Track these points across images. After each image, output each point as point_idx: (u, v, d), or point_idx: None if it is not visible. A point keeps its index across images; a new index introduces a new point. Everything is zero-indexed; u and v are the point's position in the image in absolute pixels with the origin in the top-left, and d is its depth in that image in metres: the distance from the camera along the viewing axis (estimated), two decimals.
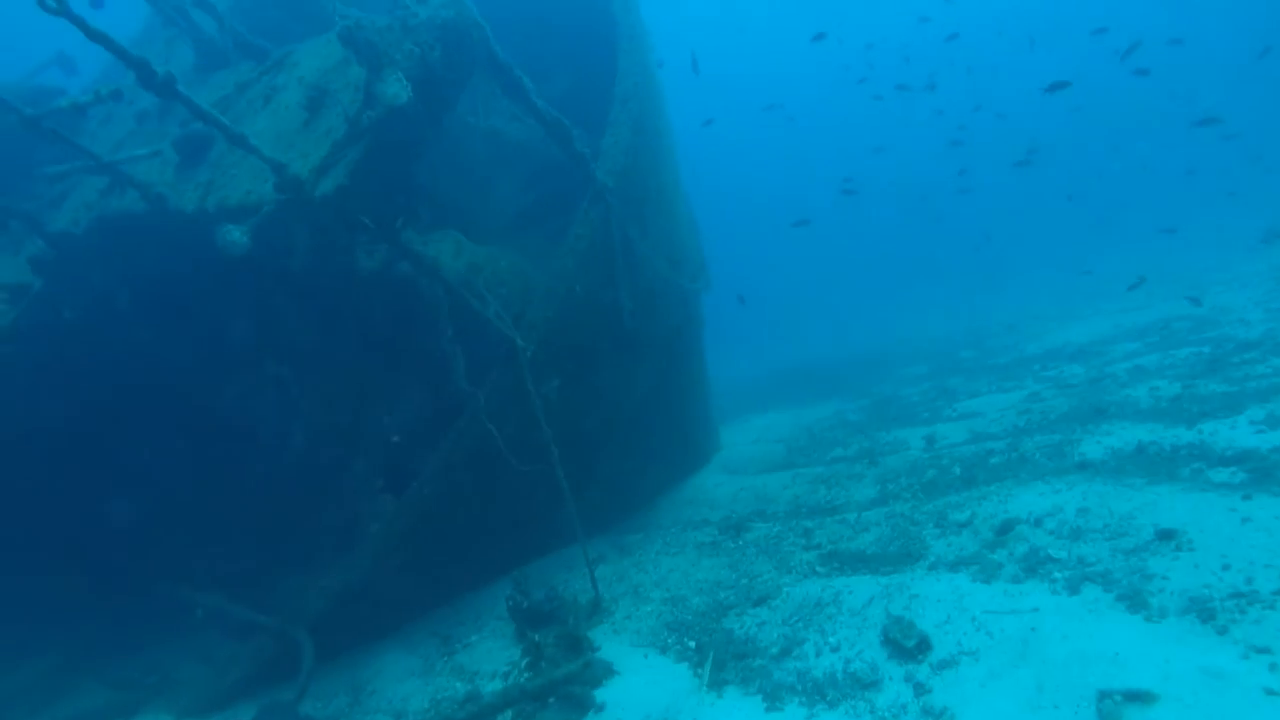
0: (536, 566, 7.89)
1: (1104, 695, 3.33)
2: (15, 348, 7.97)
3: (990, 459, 7.21)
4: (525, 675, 5.43)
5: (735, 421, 14.56)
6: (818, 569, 5.98)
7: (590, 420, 7.99)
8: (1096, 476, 5.85)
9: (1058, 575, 4.60)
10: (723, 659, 5.10)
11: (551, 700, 4.94)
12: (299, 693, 5.78)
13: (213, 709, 6.84)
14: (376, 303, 7.87)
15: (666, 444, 9.56)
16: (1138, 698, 3.26)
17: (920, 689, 3.94)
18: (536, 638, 5.54)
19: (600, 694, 5.04)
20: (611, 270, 7.47)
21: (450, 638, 6.86)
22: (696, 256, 10.24)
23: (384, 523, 6.66)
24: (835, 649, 4.68)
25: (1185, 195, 31.40)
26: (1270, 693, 3.12)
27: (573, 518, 6.72)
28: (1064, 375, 10.52)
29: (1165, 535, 4.59)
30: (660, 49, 11.17)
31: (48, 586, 9.62)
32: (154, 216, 7.17)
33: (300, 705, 5.90)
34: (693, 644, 5.50)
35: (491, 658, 6.19)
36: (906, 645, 4.24)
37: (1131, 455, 6.22)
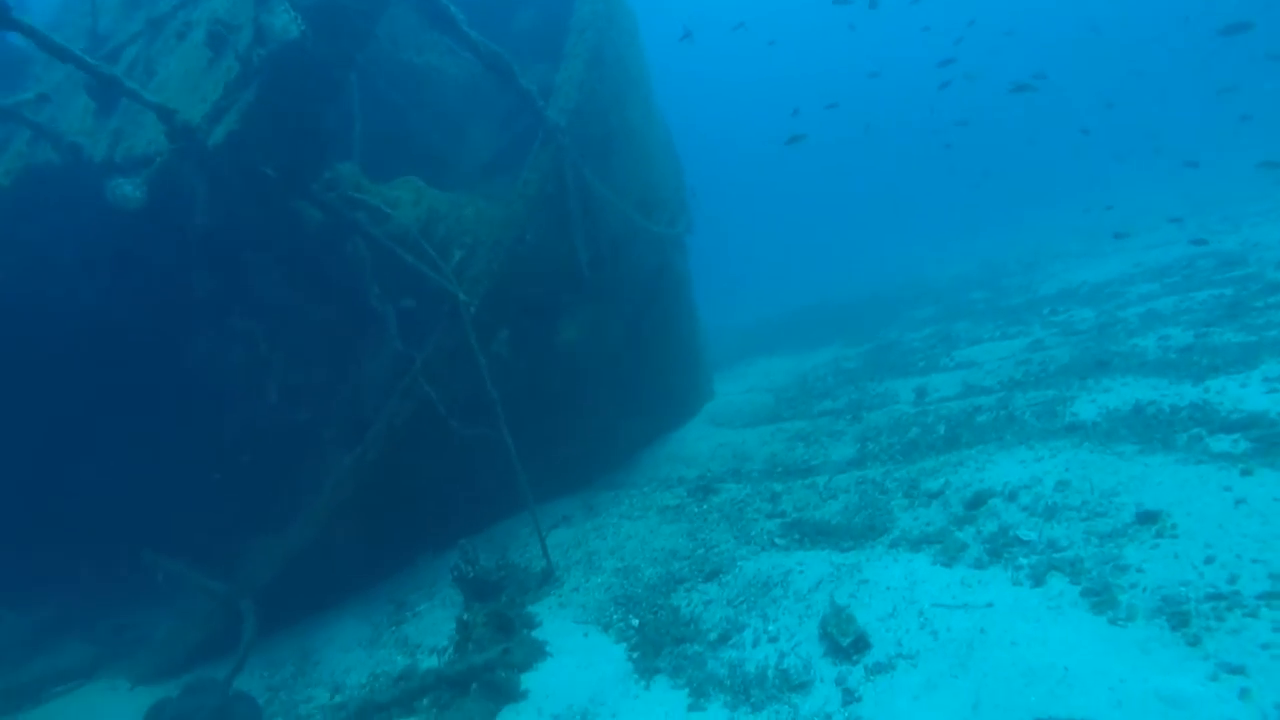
0: (504, 527, 7.51)
1: None
2: None
3: (977, 416, 6.58)
4: (452, 657, 5.06)
5: (737, 366, 14.00)
6: (777, 540, 5.48)
7: (553, 376, 7.48)
8: (1085, 442, 5.22)
9: (1023, 561, 4.04)
10: (660, 642, 4.67)
11: (474, 686, 4.56)
12: (233, 670, 5.48)
13: (166, 675, 6.64)
14: (327, 258, 7.33)
15: (646, 397, 9.04)
16: None
17: (849, 696, 3.46)
18: (465, 617, 5.15)
19: (527, 679, 4.65)
20: (565, 217, 6.85)
21: (403, 604, 6.54)
22: (677, 198, 9.54)
23: (328, 489, 6.29)
24: (773, 639, 4.21)
25: (1219, 117, 29.09)
26: None
27: (521, 482, 6.28)
28: (1073, 320, 9.75)
29: (1147, 518, 3.99)
30: None
31: (47, 548, 9.51)
32: (74, 168, 6.69)
33: (236, 679, 5.61)
34: (636, 622, 5.08)
35: (436, 630, 5.85)
36: (842, 643, 3.75)
37: (1127, 417, 5.57)
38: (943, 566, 4.30)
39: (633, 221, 7.80)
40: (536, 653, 4.89)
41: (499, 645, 4.67)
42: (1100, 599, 3.49)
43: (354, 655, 5.95)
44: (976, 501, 4.86)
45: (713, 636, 4.52)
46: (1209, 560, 3.49)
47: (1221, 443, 4.73)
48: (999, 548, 4.26)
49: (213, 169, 5.00)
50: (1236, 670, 2.81)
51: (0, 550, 10.16)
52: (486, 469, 7.02)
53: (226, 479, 9.07)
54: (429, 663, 5.41)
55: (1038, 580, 3.82)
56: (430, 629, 5.92)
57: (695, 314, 11.06)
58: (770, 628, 4.32)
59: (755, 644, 4.26)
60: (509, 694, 4.48)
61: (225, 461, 9.14)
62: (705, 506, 6.56)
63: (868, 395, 8.58)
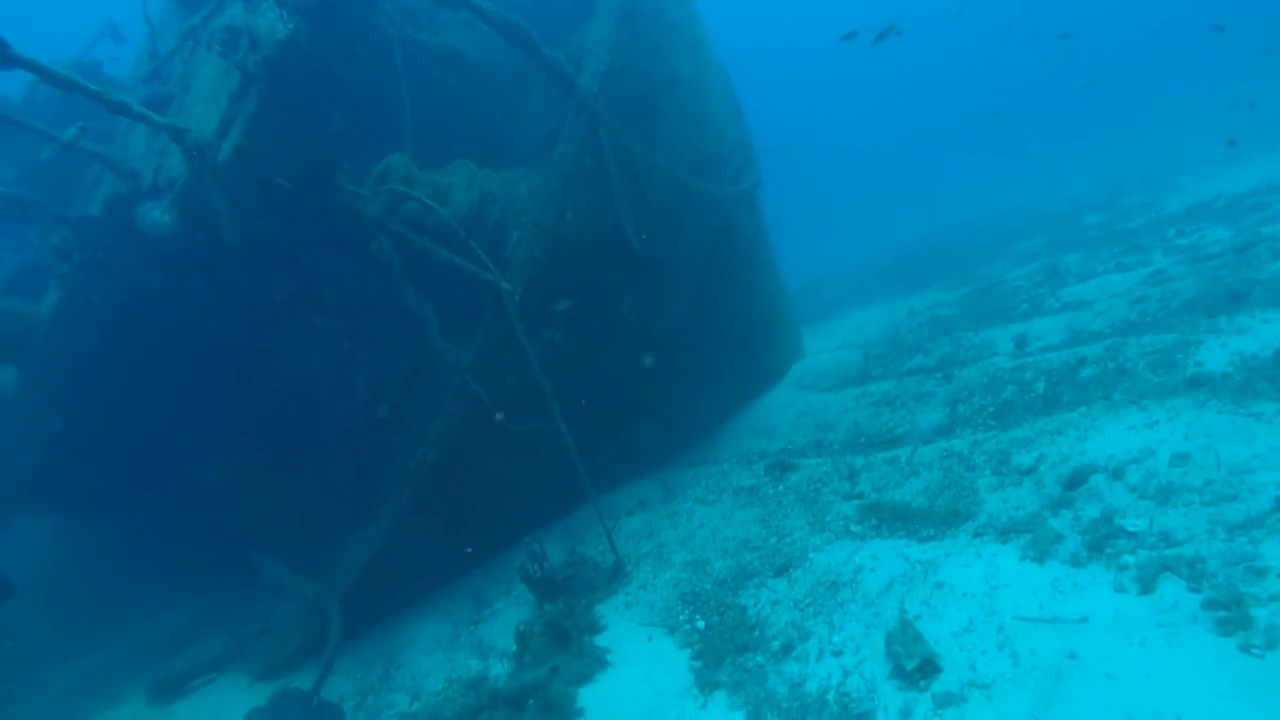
0: (582, 514, 7.22)
1: None
2: (64, 335, 7.95)
3: (1082, 370, 5.70)
4: (510, 670, 4.82)
5: (831, 318, 13.15)
6: (853, 527, 4.91)
7: (614, 357, 7.06)
8: (1210, 400, 4.34)
9: (1129, 559, 3.34)
10: (723, 651, 4.25)
11: (531, 703, 4.30)
12: (318, 680, 5.46)
13: (275, 674, 6.79)
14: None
15: (724, 367, 8.49)
16: None
17: None
18: (522, 627, 4.88)
19: (584, 694, 4.36)
20: (608, 190, 6.35)
21: (482, 601, 6.40)
22: (741, 152, 8.81)
23: (394, 492, 6.16)
24: (838, 652, 3.71)
25: None
26: None
27: (581, 475, 5.95)
28: (1203, 242, 8.41)
29: None
30: None
31: (198, 546, 10.09)
32: (137, 194, 6.75)
33: (329, 681, 5.61)
34: (702, 624, 4.68)
35: (509, 631, 5.61)
36: (907, 667, 3.21)
37: (1267, 366, 4.60)
38: (1032, 563, 3.64)
39: (686, 185, 7.20)
40: (596, 663, 4.58)
41: (549, 663, 4.37)
42: (1228, 615, 2.78)
43: (433, 658, 5.85)
44: (1075, 479, 4.13)
45: (776, 646, 4.06)
46: None
47: None
48: (1100, 540, 3.55)
49: (228, 185, 4.82)
50: None
51: (166, 550, 10.89)
52: (557, 457, 6.71)
53: (324, 477, 9.26)
54: (499, 669, 5.23)
55: (1146, 585, 3.12)
56: (504, 630, 5.72)
57: (775, 273, 10.34)
58: (835, 638, 3.81)
59: (819, 657, 3.77)
60: (564, 712, 4.20)
61: (321, 460, 9.32)
62: (781, 487, 6.03)
63: (962, 348, 7.71)
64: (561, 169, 6.14)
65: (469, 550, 6.90)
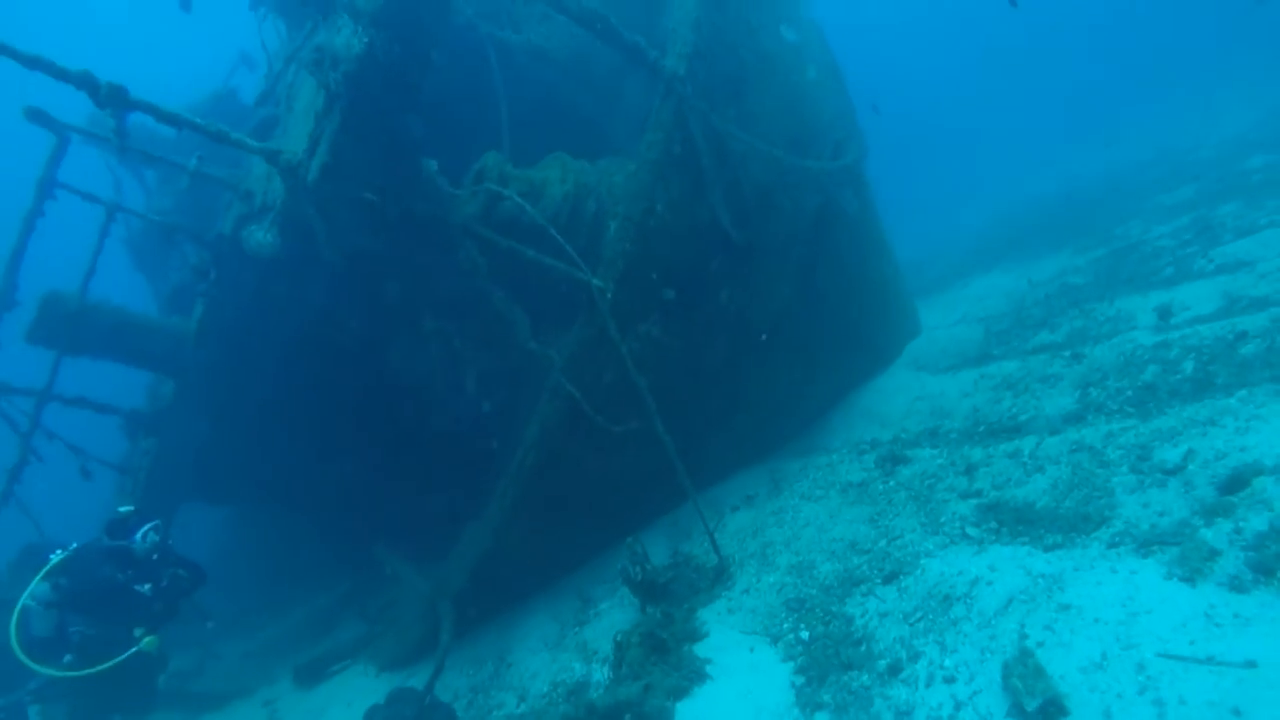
0: (688, 509, 7.02)
1: None
2: (206, 348, 8.47)
3: (1241, 346, 4.91)
4: (608, 680, 4.68)
5: (952, 287, 12.24)
6: (969, 530, 4.44)
7: (715, 348, 6.77)
8: None
9: None
10: (827, 667, 3.94)
11: (626, 718, 4.15)
12: (431, 678, 5.54)
13: (398, 666, 7.02)
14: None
15: (833, 350, 8.01)
16: None
17: None
18: (619, 638, 4.73)
19: (682, 709, 4.16)
20: (699, 176, 6.04)
21: (589, 600, 6.34)
22: (843, 123, 8.23)
23: (496, 494, 6.15)
24: (950, 679, 3.32)
25: None
26: None
27: (681, 474, 5.72)
28: None
29: None
30: None
31: (341, 535, 10.68)
32: (256, 213, 7.04)
33: (442, 678, 5.69)
34: (806, 634, 4.38)
35: (614, 630, 5.52)
36: (1027, 708, 2.80)
37: None
38: (1181, 583, 3.11)
39: (782, 164, 6.77)
40: (695, 675, 4.37)
41: (645, 678, 4.20)
42: None
43: (540, 659, 5.83)
44: (1235, 482, 3.52)
45: (883, 665, 3.71)
46: None
47: None
48: (1270, 560, 2.98)
49: (319, 203, 4.87)
50: None
51: (317, 538, 11.59)
52: (660, 452, 6.51)
53: (440, 472, 9.50)
54: (600, 675, 5.13)
55: None
56: (607, 632, 5.60)
57: (885, 248, 9.67)
58: (948, 662, 3.42)
59: (929, 683, 3.39)
60: None
61: (437, 455, 9.57)
62: (892, 483, 5.59)
63: (1095, 321, 6.87)
64: (649, 158, 5.88)
65: (575, 549, 6.86)
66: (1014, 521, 4.27)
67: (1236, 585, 2.96)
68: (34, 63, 4.01)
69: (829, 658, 4.03)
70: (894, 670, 3.62)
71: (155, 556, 5.94)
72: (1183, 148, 15.70)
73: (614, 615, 5.83)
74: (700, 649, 4.66)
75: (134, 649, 5.57)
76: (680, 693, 4.25)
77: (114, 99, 4.21)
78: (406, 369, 9.43)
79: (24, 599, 5.52)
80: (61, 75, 4.09)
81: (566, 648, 5.75)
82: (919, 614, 3.92)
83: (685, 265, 6.28)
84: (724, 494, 7.06)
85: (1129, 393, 5.08)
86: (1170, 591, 3.08)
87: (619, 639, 4.72)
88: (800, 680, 4.00)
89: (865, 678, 3.71)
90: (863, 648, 3.97)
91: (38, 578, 5.64)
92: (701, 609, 5.20)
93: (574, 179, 7.58)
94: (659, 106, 5.88)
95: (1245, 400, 4.16)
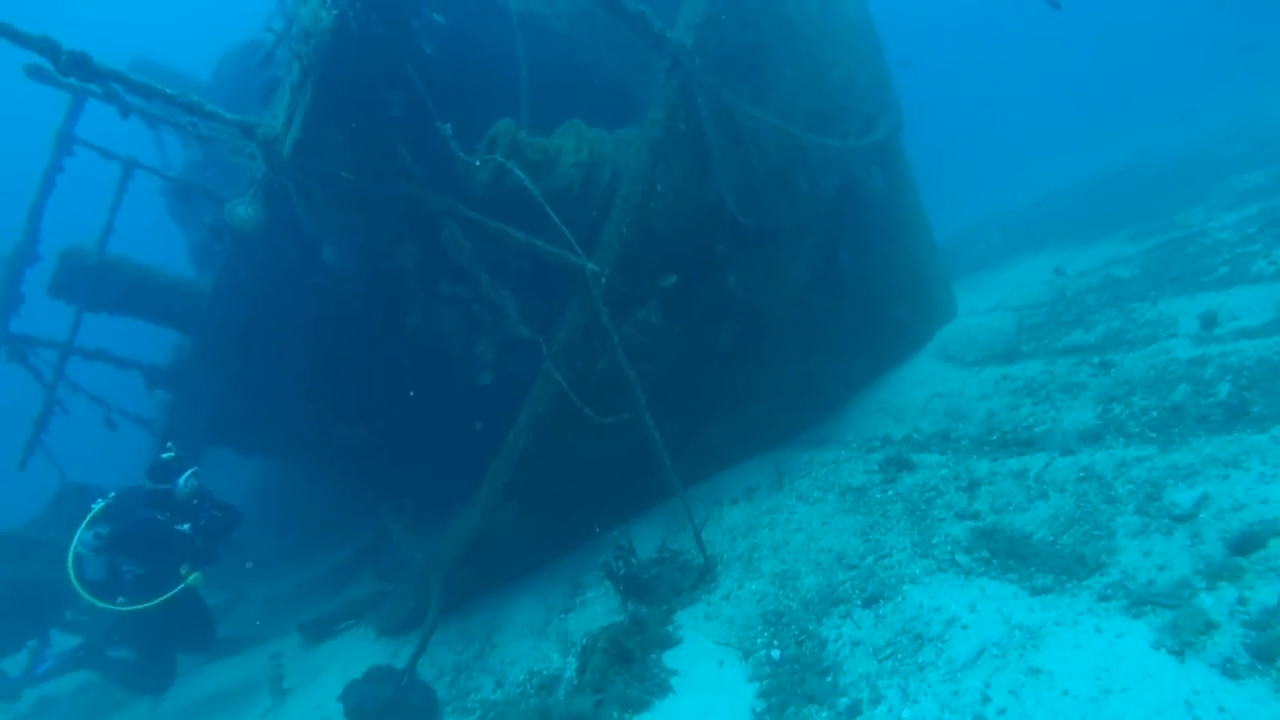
0: (689, 494, 6.82)
1: None
2: (222, 306, 8.46)
3: None
4: (569, 688, 4.54)
5: (998, 268, 11.59)
6: (958, 557, 4.14)
7: (721, 334, 6.46)
8: None
9: None
10: (789, 698, 3.73)
11: None
12: (411, 659, 5.51)
13: (393, 633, 7.05)
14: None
15: (853, 337, 7.62)
16: None
17: None
18: (585, 642, 4.59)
19: None
20: (705, 156, 5.66)
21: (579, 586, 6.22)
22: (876, 96, 7.67)
23: (487, 479, 6.02)
24: None
25: None
26: None
27: (668, 471, 5.49)
28: None
29: None
30: None
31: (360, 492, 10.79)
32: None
33: (423, 658, 5.66)
34: (777, 654, 4.17)
35: (595, 624, 5.40)
36: None
37: None
38: (1170, 656, 2.78)
39: (801, 143, 6.33)
40: (657, 688, 4.21)
41: (599, 693, 4.04)
42: None
43: (523, 644, 5.74)
44: (1249, 541, 3.13)
45: (843, 704, 3.48)
46: None
47: None
48: (1272, 645, 2.62)
49: (295, 179, 4.68)
50: None
51: (339, 491, 11.77)
52: (662, 436, 6.26)
53: (454, 441, 9.44)
54: (572, 670, 5.00)
55: None
56: (589, 622, 5.49)
57: (920, 228, 9.13)
58: (905, 714, 3.17)
59: None
60: None
61: (453, 424, 9.50)
62: (891, 492, 5.28)
63: (1133, 323, 6.31)
64: (651, 136, 5.54)
65: (569, 533, 6.72)
66: (1006, 554, 3.94)
67: (1229, 670, 2.62)
68: None
69: (794, 684, 3.81)
70: (852, 713, 3.39)
71: (195, 501, 6.31)
72: (1272, 123, 14.36)
73: (600, 605, 5.70)
74: (669, 657, 4.49)
75: (182, 585, 5.92)
76: (639, 706, 4.10)
77: (76, 66, 4.04)
78: (423, 335, 9.33)
79: (74, 546, 5.80)
80: (23, 40, 3.93)
81: (548, 636, 5.65)
82: (889, 650, 3.66)
83: (689, 249, 5.95)
84: (727, 482, 6.84)
85: (1154, 414, 4.63)
86: (1154, 666, 2.75)
87: (585, 643, 4.58)
88: (761, 706, 3.80)
89: (824, 716, 3.48)
90: (828, 679, 3.74)
91: (82, 525, 5.91)
92: (680, 611, 5.03)
93: (589, 148, 7.25)
94: (664, 82, 5.51)
95: (1277, 439, 3.72)
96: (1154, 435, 4.39)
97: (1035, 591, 3.51)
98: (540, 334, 5.85)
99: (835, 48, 7.12)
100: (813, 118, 6.63)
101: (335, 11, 4.11)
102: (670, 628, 4.78)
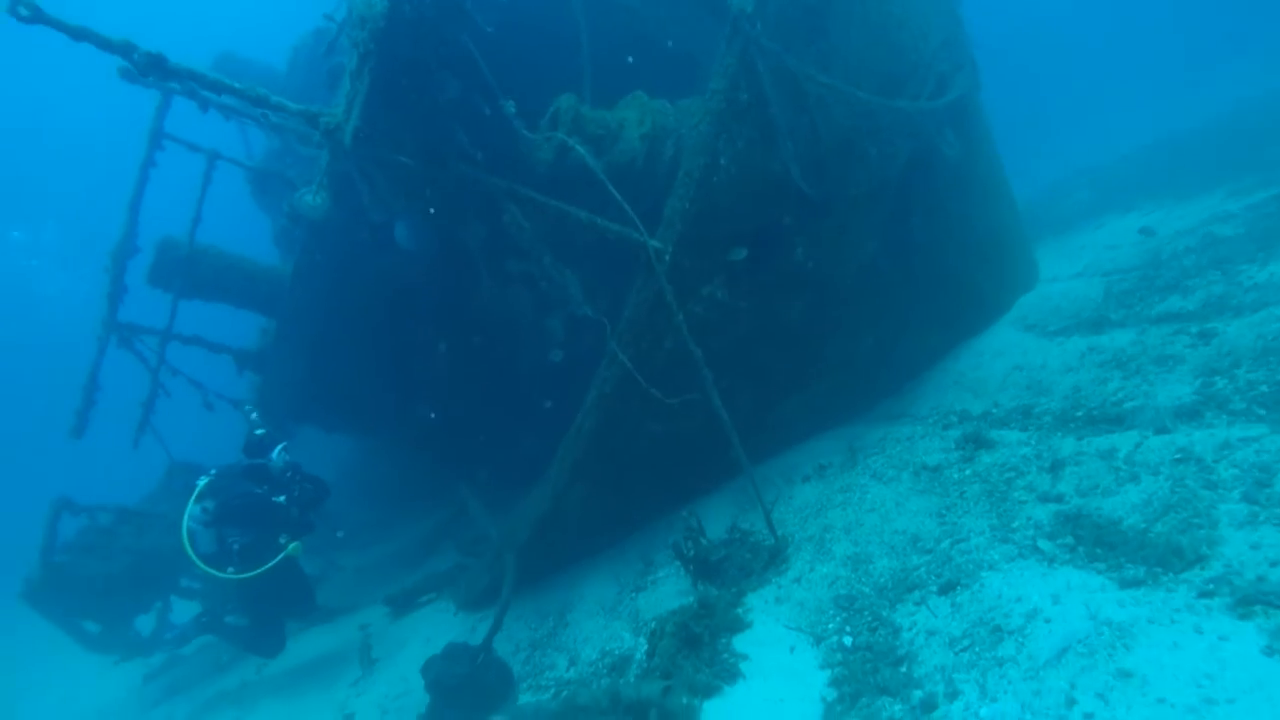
0: (759, 473, 6.70)
1: None
2: (300, 290, 8.74)
3: None
4: (639, 671, 4.55)
5: (1081, 230, 10.90)
6: (1040, 543, 3.93)
7: (790, 307, 6.28)
8: None
9: None
10: (861, 688, 3.63)
11: (652, 713, 4.01)
12: (487, 636, 5.62)
13: (471, 607, 7.22)
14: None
15: (925, 307, 7.31)
16: None
17: None
18: (654, 625, 4.57)
19: (709, 708, 3.97)
20: (769, 125, 5.44)
21: (650, 564, 6.23)
22: (949, 54, 7.23)
23: (558, 457, 6.04)
24: None
25: None
26: None
27: (737, 451, 5.38)
28: None
29: None
30: None
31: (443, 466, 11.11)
32: None
33: (500, 632, 5.77)
34: (849, 641, 4.07)
35: (665, 604, 5.41)
36: None
37: None
38: None
39: (870, 108, 6.03)
40: (727, 673, 4.17)
41: (668, 679, 4.02)
42: None
43: (595, 622, 5.79)
44: None
45: (917, 698, 3.36)
46: None
47: None
48: None
49: (358, 166, 4.73)
50: None
51: (421, 467, 12.13)
52: (729, 415, 6.15)
53: (527, 416, 9.56)
54: (642, 653, 5.01)
55: None
56: (660, 602, 5.50)
57: (999, 191, 8.64)
58: (984, 712, 3.03)
59: None
60: None
61: (525, 400, 9.62)
62: (969, 471, 5.05)
63: (1238, 288, 5.81)
64: (712, 107, 5.34)
65: (641, 509, 6.71)
66: (1093, 541, 3.71)
67: None
68: (79, 33, 3.98)
69: (866, 674, 3.71)
70: (928, 707, 3.27)
71: (289, 474, 6.67)
72: None
73: (670, 584, 5.69)
74: (739, 641, 4.44)
75: (283, 553, 6.28)
76: (710, 691, 4.06)
77: (152, 67, 4.16)
78: (494, 313, 9.43)
79: (185, 522, 6.23)
80: (104, 44, 4.06)
81: (620, 615, 5.68)
82: (966, 641, 3.51)
83: (755, 222, 5.76)
84: (799, 459, 6.70)
85: (1263, 388, 4.26)
86: (1266, 674, 2.54)
87: (654, 625, 4.57)
88: (832, 695, 3.71)
89: (897, 709, 3.37)
90: (903, 669, 3.62)
91: (190, 502, 6.33)
92: (750, 593, 4.96)
93: (652, 120, 7.12)
94: (724, 50, 5.30)
95: None
96: (1263, 413, 4.04)
97: (1125, 584, 3.29)
98: (609, 312, 5.80)
99: (904, 4, 6.73)
100: (881, 81, 6.30)
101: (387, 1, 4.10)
102: (740, 610, 4.72)
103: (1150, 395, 4.82)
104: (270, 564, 6.22)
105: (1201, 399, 4.50)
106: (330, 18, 7.38)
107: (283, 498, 6.59)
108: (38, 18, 3.75)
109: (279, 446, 6.69)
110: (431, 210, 6.15)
